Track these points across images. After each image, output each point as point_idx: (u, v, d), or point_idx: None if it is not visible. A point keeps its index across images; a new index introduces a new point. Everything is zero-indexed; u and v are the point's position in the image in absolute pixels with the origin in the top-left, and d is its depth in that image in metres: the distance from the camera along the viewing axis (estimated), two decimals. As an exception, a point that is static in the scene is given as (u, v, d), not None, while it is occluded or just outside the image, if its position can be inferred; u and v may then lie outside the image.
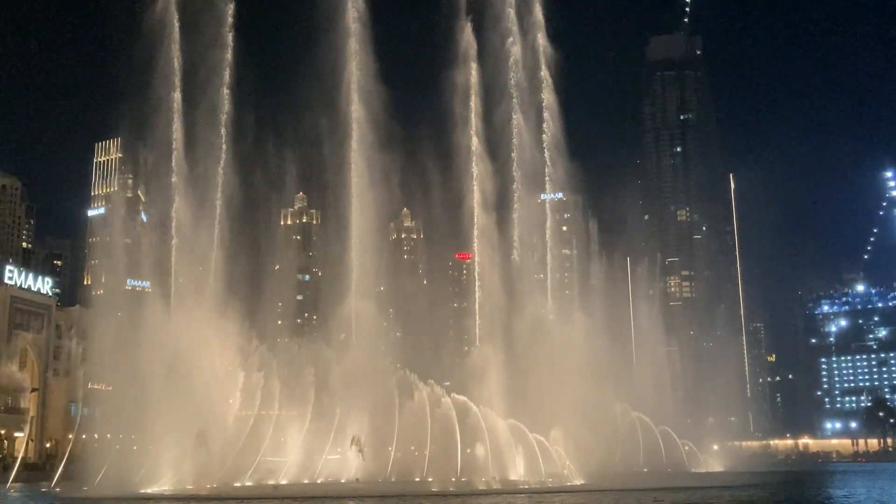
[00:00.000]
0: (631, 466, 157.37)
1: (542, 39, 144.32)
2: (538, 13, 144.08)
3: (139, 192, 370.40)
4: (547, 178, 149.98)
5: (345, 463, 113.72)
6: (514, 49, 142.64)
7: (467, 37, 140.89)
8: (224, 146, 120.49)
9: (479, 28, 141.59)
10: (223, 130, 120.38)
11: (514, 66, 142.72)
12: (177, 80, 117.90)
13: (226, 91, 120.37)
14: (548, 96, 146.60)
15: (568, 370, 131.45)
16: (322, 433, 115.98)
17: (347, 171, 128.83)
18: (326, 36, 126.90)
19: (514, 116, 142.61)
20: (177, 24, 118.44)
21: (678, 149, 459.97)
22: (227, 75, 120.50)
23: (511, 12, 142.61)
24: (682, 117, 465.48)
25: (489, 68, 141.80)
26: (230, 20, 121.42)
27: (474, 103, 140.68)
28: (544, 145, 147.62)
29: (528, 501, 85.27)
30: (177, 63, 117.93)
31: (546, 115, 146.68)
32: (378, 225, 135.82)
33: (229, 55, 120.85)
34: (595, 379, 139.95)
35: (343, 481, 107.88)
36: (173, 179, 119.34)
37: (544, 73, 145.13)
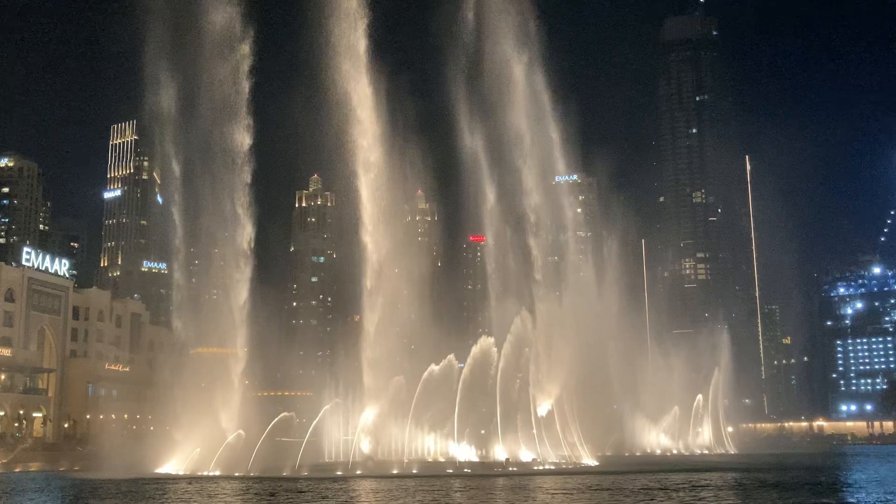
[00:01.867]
0: (644, 447, 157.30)
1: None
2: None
3: (154, 174, 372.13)
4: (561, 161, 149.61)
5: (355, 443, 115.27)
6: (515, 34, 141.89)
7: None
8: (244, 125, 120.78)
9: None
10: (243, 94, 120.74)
11: (524, 53, 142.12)
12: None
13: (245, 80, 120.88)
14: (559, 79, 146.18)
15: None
16: None
17: (361, 152, 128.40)
18: (337, 22, 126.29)
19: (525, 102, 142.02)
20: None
21: (693, 130, 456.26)
22: (246, 66, 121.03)
23: None
24: (697, 98, 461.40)
25: (496, 59, 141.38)
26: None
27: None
28: (559, 127, 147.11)
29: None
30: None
31: (557, 97, 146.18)
32: (393, 207, 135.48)
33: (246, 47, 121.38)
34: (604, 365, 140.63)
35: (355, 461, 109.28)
36: (182, 155, 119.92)
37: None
